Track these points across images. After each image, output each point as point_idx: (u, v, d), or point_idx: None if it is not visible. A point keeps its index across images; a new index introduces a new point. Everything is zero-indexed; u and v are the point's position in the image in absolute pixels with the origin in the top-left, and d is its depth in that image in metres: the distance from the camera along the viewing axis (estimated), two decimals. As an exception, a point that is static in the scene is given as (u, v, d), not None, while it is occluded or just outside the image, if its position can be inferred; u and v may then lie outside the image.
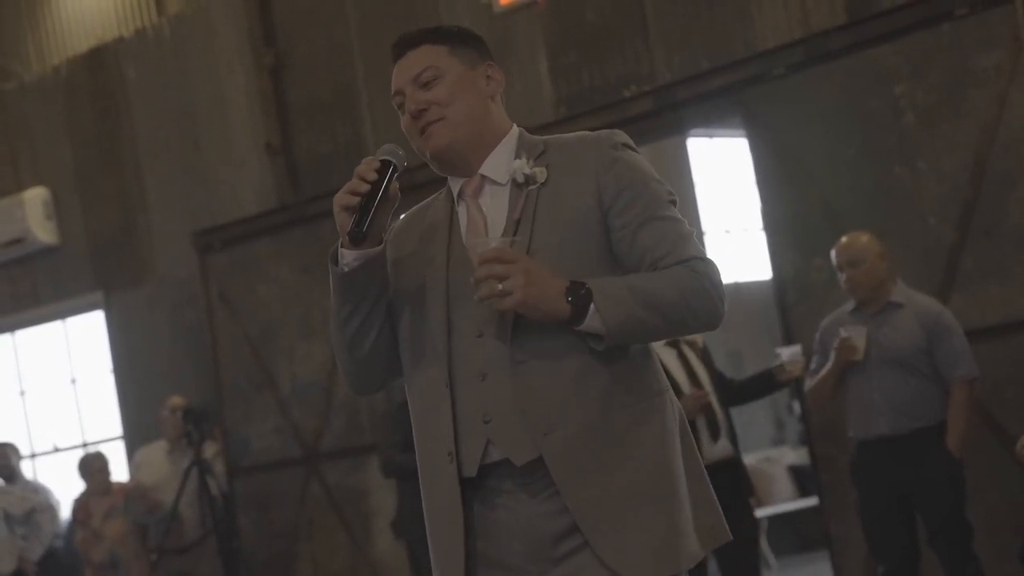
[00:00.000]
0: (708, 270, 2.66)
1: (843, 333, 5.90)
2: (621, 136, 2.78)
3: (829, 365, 5.99)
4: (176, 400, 8.93)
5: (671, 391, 2.77)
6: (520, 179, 2.74)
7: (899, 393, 5.81)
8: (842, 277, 5.99)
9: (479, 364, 2.68)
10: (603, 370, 2.66)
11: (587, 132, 2.81)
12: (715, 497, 2.76)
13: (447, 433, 2.70)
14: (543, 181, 2.73)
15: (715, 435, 6.14)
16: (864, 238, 6.00)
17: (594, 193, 2.70)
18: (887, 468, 5.86)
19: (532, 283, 2.56)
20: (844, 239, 6.03)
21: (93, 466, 9.02)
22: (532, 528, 2.67)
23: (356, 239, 2.67)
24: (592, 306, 2.57)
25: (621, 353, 2.67)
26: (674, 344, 6.24)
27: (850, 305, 6.05)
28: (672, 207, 2.72)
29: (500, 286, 2.55)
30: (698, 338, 6.35)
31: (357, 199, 2.66)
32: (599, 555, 2.61)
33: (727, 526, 2.76)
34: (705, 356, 6.36)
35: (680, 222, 2.71)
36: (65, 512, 9.84)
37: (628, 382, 2.67)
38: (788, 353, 6.17)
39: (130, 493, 8.77)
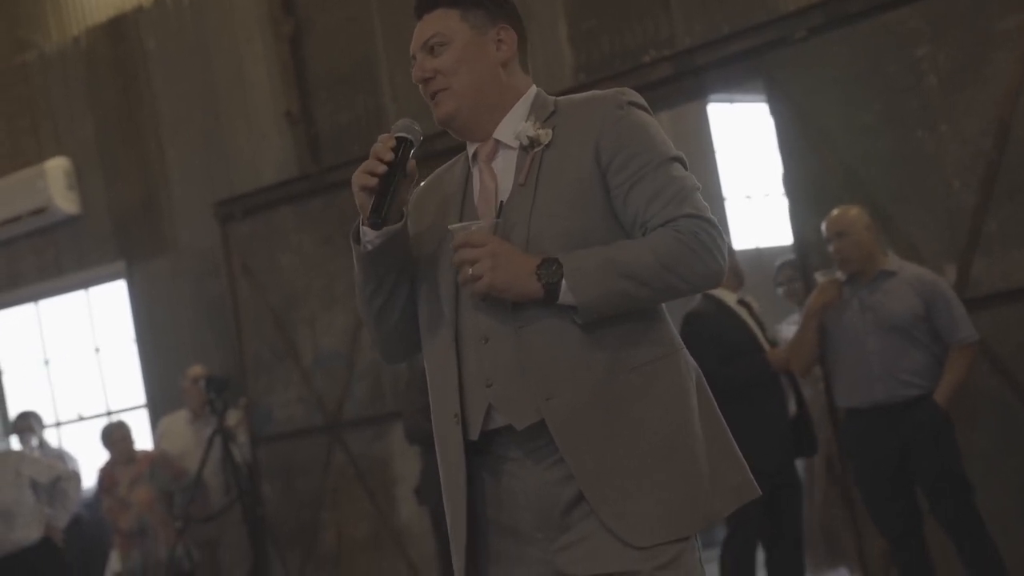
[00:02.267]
0: (696, 227, 2.61)
1: (819, 277, 5.97)
2: (629, 95, 2.75)
3: (807, 317, 6.01)
4: (196, 369, 8.98)
5: (684, 350, 2.74)
6: (525, 142, 2.73)
7: (895, 360, 5.82)
8: (831, 250, 6.03)
9: (483, 328, 2.69)
10: (608, 333, 2.64)
11: (597, 92, 2.78)
12: (739, 454, 2.74)
13: (453, 395, 2.71)
14: (547, 143, 2.72)
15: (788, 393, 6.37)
16: (852, 211, 6.07)
17: (593, 152, 2.68)
18: (881, 436, 5.86)
19: (499, 266, 2.58)
20: (833, 212, 6.11)
21: (115, 435, 9.08)
22: (541, 496, 2.68)
23: (376, 225, 2.69)
24: (563, 282, 2.56)
25: (627, 315, 2.65)
26: (744, 303, 6.44)
27: (842, 278, 6.06)
28: (672, 164, 2.68)
29: (470, 271, 2.59)
30: (752, 300, 6.54)
31: (375, 180, 2.67)
32: (604, 521, 2.61)
33: (754, 482, 2.74)
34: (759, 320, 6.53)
35: (677, 179, 2.66)
36: (89, 481, 9.92)
37: (635, 344, 2.65)
38: (827, 274, 6.11)
39: (155, 461, 8.83)
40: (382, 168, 2.67)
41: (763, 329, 6.48)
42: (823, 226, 6.12)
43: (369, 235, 2.72)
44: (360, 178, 2.69)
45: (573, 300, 2.57)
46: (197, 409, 8.94)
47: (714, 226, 2.64)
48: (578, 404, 2.62)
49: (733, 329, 6.37)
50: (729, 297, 6.43)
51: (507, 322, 2.65)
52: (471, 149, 2.83)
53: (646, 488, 2.61)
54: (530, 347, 2.64)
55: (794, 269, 7.86)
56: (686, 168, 2.71)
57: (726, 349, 6.20)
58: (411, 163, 2.71)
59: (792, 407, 6.40)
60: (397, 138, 2.71)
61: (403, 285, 2.79)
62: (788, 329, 6.37)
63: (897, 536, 5.94)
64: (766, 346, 6.37)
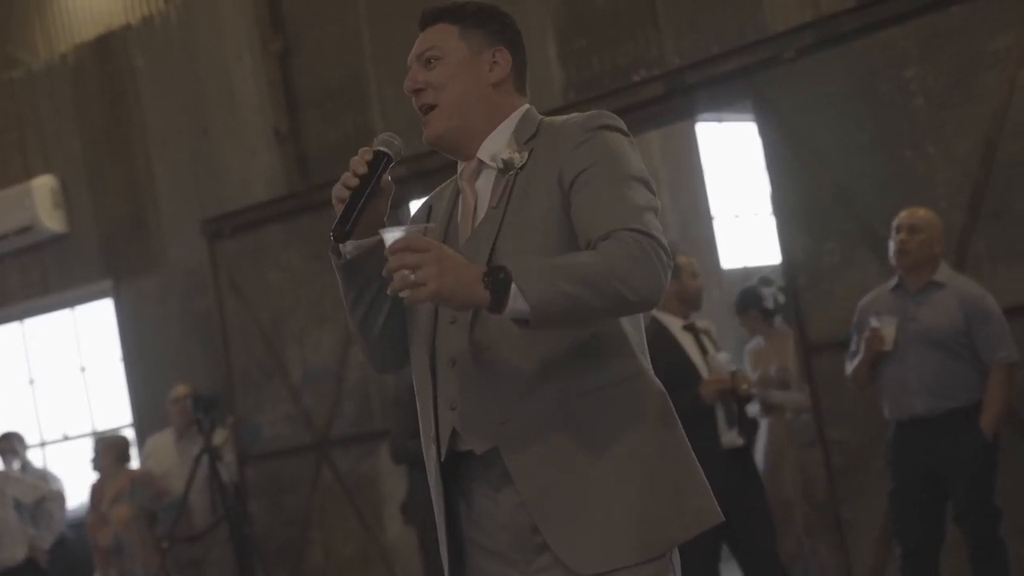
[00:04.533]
0: (641, 239, 2.51)
1: (873, 323, 5.90)
2: (604, 117, 2.71)
3: (860, 355, 5.99)
4: (180, 389, 8.92)
5: (648, 373, 2.68)
6: (500, 165, 2.72)
7: (935, 373, 5.81)
8: (895, 240, 5.97)
9: (451, 350, 2.67)
10: (568, 357, 2.60)
11: (577, 115, 2.75)
12: (703, 479, 2.68)
13: (429, 416, 2.71)
14: (520, 166, 2.70)
15: (731, 422, 6.08)
16: (930, 213, 6.02)
17: (557, 176, 2.65)
18: (921, 448, 5.87)
19: (446, 272, 2.40)
20: (912, 208, 6.04)
21: (99, 447, 8.99)
22: (513, 519, 2.66)
23: (339, 239, 2.66)
24: (514, 286, 2.41)
25: (590, 338, 2.60)
26: (690, 328, 6.22)
27: (892, 282, 6.05)
28: (630, 181, 2.60)
29: (412, 277, 2.41)
30: (711, 327, 6.34)
31: (347, 193, 2.66)
32: (551, 546, 2.58)
33: (717, 508, 2.69)
34: (716, 345, 6.33)
35: (630, 196, 2.58)
36: (73, 501, 9.85)
37: (595, 368, 2.61)
38: (884, 320, 5.96)
39: (137, 479, 8.76)
40: (354, 181, 2.66)
41: (706, 355, 6.17)
42: (896, 219, 6.01)
43: (348, 246, 2.72)
44: (336, 190, 2.70)
45: (524, 303, 2.42)
46: (182, 428, 8.89)
47: (660, 245, 2.54)
48: (529, 429, 2.59)
49: (667, 356, 6.00)
50: (673, 322, 6.17)
51: (471, 345, 2.63)
52: (460, 167, 2.83)
53: (596, 512, 2.58)
54: (489, 370, 2.62)
55: (754, 297, 7.85)
56: (651, 191, 2.64)
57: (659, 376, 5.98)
58: (386, 178, 2.70)
59: (735, 438, 6.08)
60: (375, 152, 2.69)
61: (383, 296, 2.74)
62: (723, 358, 6.15)
63: (912, 547, 5.94)
64: (705, 375, 6.07)
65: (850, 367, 6.11)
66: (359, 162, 2.68)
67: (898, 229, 5.99)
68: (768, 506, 6.35)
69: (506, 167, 2.71)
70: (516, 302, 2.42)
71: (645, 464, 2.61)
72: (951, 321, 5.83)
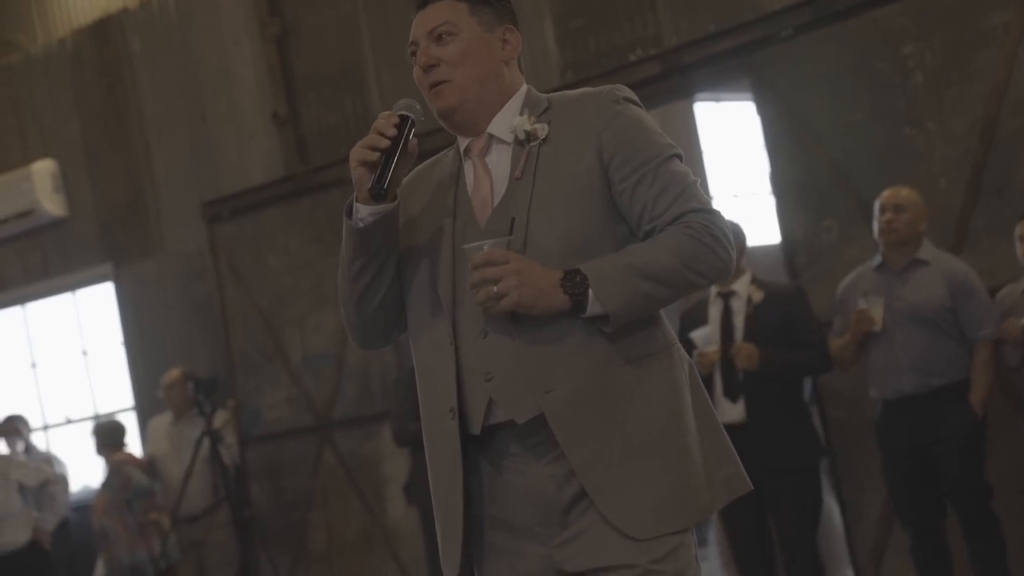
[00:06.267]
0: (706, 221, 2.63)
1: (861, 304, 5.90)
2: (623, 91, 2.77)
3: (846, 335, 5.99)
4: (172, 373, 8.90)
5: (678, 345, 2.76)
6: (521, 136, 2.73)
7: (923, 351, 5.82)
8: (881, 219, 5.98)
9: (481, 322, 2.68)
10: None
11: (590, 88, 2.79)
12: (731, 447, 2.75)
13: (450, 390, 2.70)
14: (543, 137, 2.72)
15: (732, 395, 5.99)
16: (915, 193, 6.03)
17: (595, 149, 2.68)
18: (910, 427, 5.87)
19: (525, 282, 2.56)
20: (895, 188, 6.04)
21: (95, 432, 8.95)
22: (543, 492, 2.68)
23: (378, 195, 2.67)
24: (591, 292, 2.56)
25: None
26: (724, 296, 6.15)
27: (876, 261, 6.05)
28: (673, 160, 2.69)
29: (495, 289, 2.56)
30: (756, 293, 6.10)
31: (377, 154, 2.66)
32: (602, 512, 2.61)
33: (746, 476, 2.76)
34: (758, 313, 6.06)
35: (679, 175, 2.68)
36: (77, 484, 9.87)
37: (632, 339, 2.66)
38: (871, 300, 5.92)
39: (113, 466, 8.73)
40: (385, 143, 2.66)
41: (746, 323, 6.02)
42: (879, 199, 6.03)
43: (362, 212, 2.71)
44: (360, 153, 2.68)
45: (602, 309, 2.56)
46: (178, 411, 8.89)
47: (720, 218, 2.67)
48: (576, 396, 2.62)
49: (693, 325, 6.15)
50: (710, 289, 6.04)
51: (507, 317, 2.64)
52: (463, 144, 2.83)
53: (643, 479, 2.62)
54: (529, 341, 2.64)
55: None
56: (683, 161, 2.73)
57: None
58: (412, 141, 2.71)
59: (736, 412, 5.93)
60: (400, 116, 2.70)
61: (389, 267, 2.77)
62: (699, 335, 6.08)
63: (916, 528, 5.96)
64: (729, 343, 5.97)
65: (833, 346, 6.10)
66: (387, 124, 2.68)
67: (883, 209, 6.00)
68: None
69: (528, 138, 2.72)
70: (595, 306, 2.57)
71: (683, 434, 2.67)
72: (937, 298, 5.84)
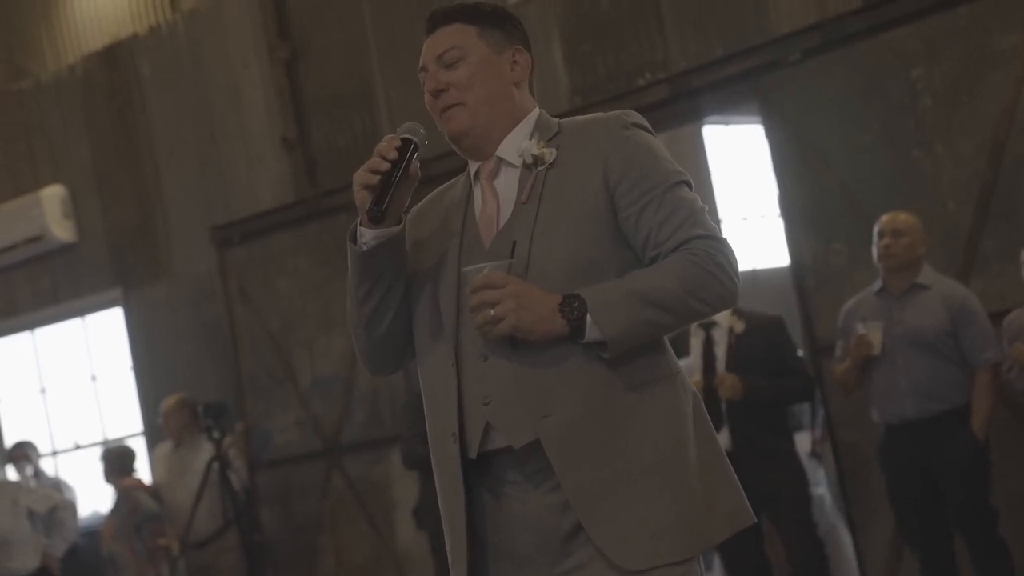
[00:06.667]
0: (711, 249, 2.59)
1: (860, 329, 5.90)
2: (633, 116, 2.75)
3: (848, 360, 5.99)
4: (170, 400, 8.87)
5: (682, 374, 2.73)
6: (529, 160, 2.72)
7: (924, 376, 5.80)
8: (880, 244, 5.97)
9: (481, 345, 2.66)
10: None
11: (600, 113, 2.78)
12: (735, 479, 2.71)
13: (452, 413, 2.68)
14: (551, 162, 2.70)
15: (715, 424, 6.00)
16: (913, 218, 6.03)
17: (601, 174, 2.67)
18: (913, 452, 5.85)
19: (523, 306, 2.54)
20: (893, 213, 6.04)
21: (104, 457, 8.95)
22: (541, 520, 2.65)
23: (375, 218, 2.65)
24: (589, 317, 2.53)
25: None
26: (705, 327, 6.18)
27: (876, 286, 6.05)
28: (681, 187, 2.67)
29: (492, 312, 2.54)
30: (738, 324, 6.19)
31: (377, 177, 2.65)
32: (595, 541, 2.58)
33: (749, 508, 2.72)
34: (740, 343, 6.15)
35: (686, 201, 2.65)
36: (86, 510, 9.85)
37: (634, 366, 2.63)
38: (870, 325, 5.94)
39: (122, 492, 8.72)
40: (385, 166, 2.65)
41: (728, 354, 6.10)
42: (877, 224, 6.02)
43: (366, 236, 2.70)
44: (362, 176, 2.67)
45: (600, 335, 2.53)
46: (178, 438, 8.84)
47: (727, 245, 2.63)
48: (573, 422, 2.59)
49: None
50: None
51: (506, 341, 2.62)
52: (473, 167, 2.82)
53: (640, 507, 2.58)
54: (528, 365, 2.61)
55: None
56: (691, 188, 2.70)
57: None
58: (414, 165, 2.69)
59: (725, 441, 5.94)
60: (402, 139, 2.70)
61: (396, 291, 2.75)
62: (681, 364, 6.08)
63: (924, 551, 5.93)
64: (711, 375, 6.03)
65: (836, 371, 6.11)
66: (388, 147, 2.67)
67: (881, 234, 6.00)
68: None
69: (536, 162, 2.71)
70: (593, 332, 2.53)
71: (684, 463, 2.63)
72: (937, 323, 5.82)
